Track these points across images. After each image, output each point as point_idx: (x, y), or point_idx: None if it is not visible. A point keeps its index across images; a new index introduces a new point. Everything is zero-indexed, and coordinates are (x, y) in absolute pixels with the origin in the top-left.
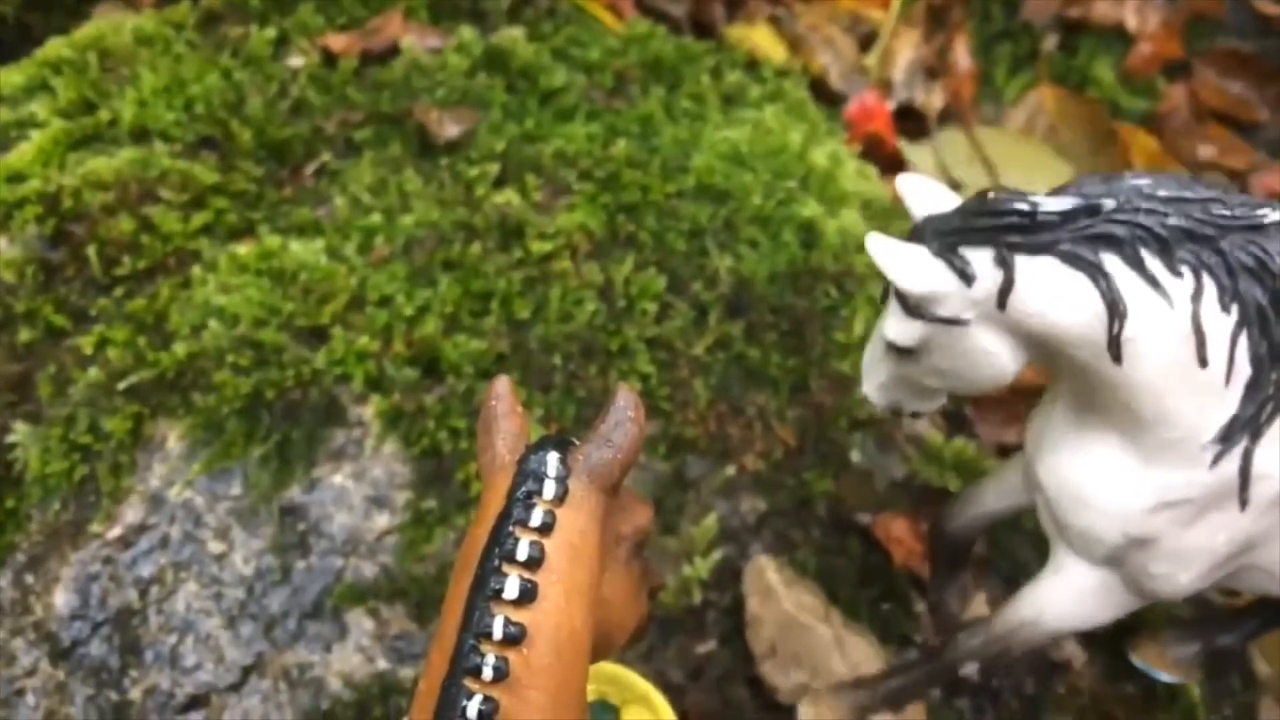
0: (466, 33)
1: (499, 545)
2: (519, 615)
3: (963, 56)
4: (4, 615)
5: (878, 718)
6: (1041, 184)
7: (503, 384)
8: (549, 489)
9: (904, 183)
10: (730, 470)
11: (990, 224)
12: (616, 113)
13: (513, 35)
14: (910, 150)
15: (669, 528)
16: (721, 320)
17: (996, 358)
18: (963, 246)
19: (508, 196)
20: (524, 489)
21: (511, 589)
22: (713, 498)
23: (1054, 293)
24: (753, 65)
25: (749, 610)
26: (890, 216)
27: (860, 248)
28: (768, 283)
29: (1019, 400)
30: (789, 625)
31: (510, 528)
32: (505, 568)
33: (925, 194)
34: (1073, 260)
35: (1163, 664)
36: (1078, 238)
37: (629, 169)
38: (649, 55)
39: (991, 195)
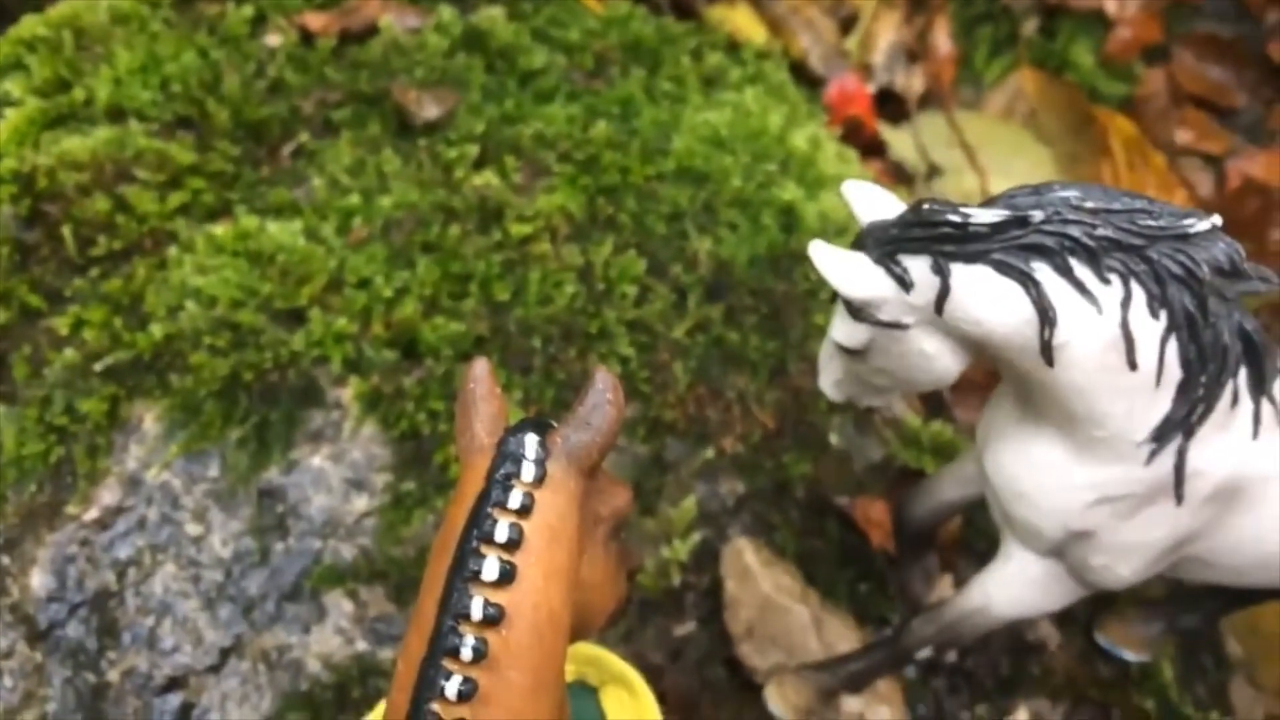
0: (446, 12)
1: (478, 527)
2: (498, 596)
3: (943, 40)
4: None
5: (844, 698)
6: (1021, 166)
7: (481, 366)
8: (527, 471)
9: (850, 189)
10: (709, 453)
11: (925, 234)
12: (596, 94)
13: (492, 15)
14: (890, 133)
15: (648, 510)
16: (701, 303)
17: (937, 360)
18: (901, 254)
19: (487, 178)
20: (503, 471)
21: (490, 570)
22: (692, 480)
23: (988, 299)
24: (733, 47)
25: (727, 592)
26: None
27: (841, 232)
28: (747, 266)
29: (996, 385)
30: (767, 606)
31: (489, 509)
32: (484, 549)
33: (870, 201)
34: (1004, 269)
35: (1127, 643)
36: (1009, 247)
37: (609, 151)
38: (629, 36)
39: (925, 206)
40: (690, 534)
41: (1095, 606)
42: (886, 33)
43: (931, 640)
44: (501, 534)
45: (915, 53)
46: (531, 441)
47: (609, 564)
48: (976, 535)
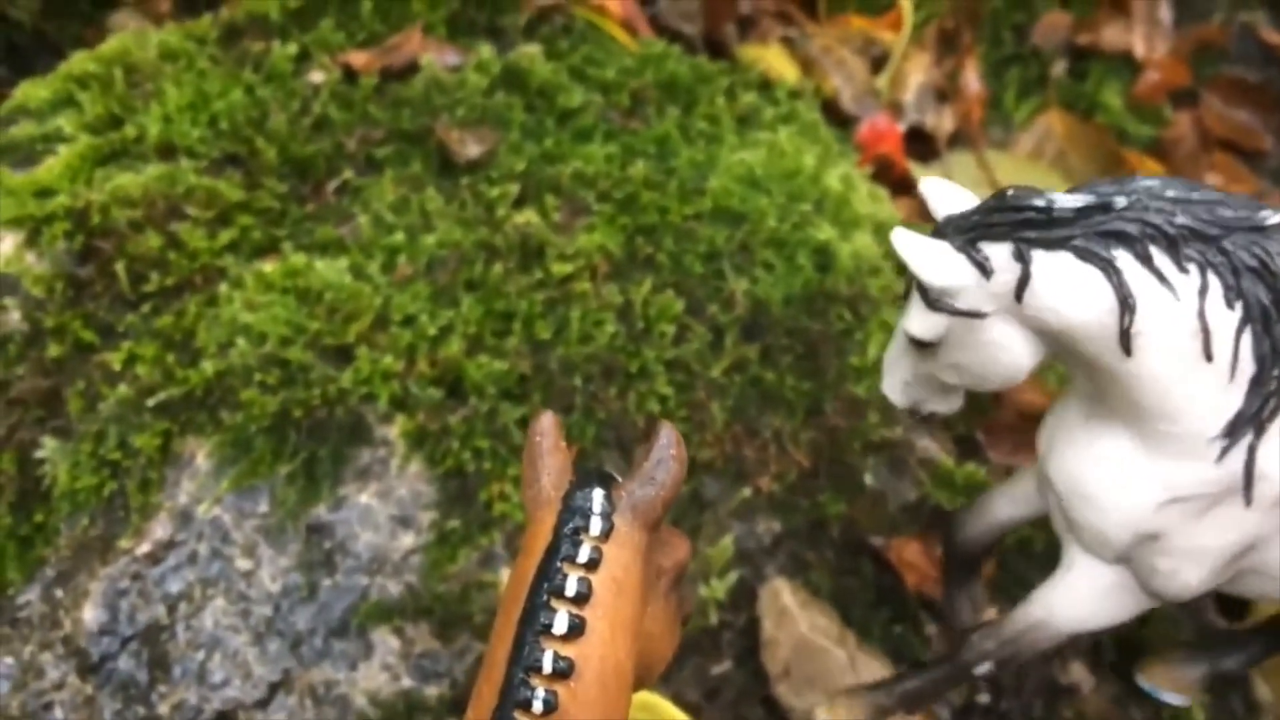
0: (485, 50)
1: (548, 580)
2: (567, 650)
3: (973, 80)
4: (33, 629)
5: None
6: None
7: (547, 420)
8: (595, 525)
9: (927, 185)
10: (746, 492)
11: (1008, 219)
12: (634, 133)
13: (530, 54)
14: (920, 172)
15: None
16: (738, 343)
17: (1012, 351)
18: (982, 241)
19: (528, 217)
20: (571, 525)
21: (560, 624)
22: (729, 519)
23: (1068, 286)
24: (766, 86)
25: (764, 632)
26: None
27: (874, 271)
28: (783, 306)
29: (1029, 426)
30: (804, 647)
31: (558, 563)
32: (554, 603)
33: (947, 195)
34: (1086, 255)
35: (1169, 685)
36: (1090, 234)
37: (647, 190)
38: (664, 75)
39: (1010, 192)
40: (727, 573)
41: (1136, 649)
42: (917, 73)
43: (991, 656)
44: (571, 588)
45: (945, 93)
46: (598, 496)
47: (669, 615)
48: (1011, 581)
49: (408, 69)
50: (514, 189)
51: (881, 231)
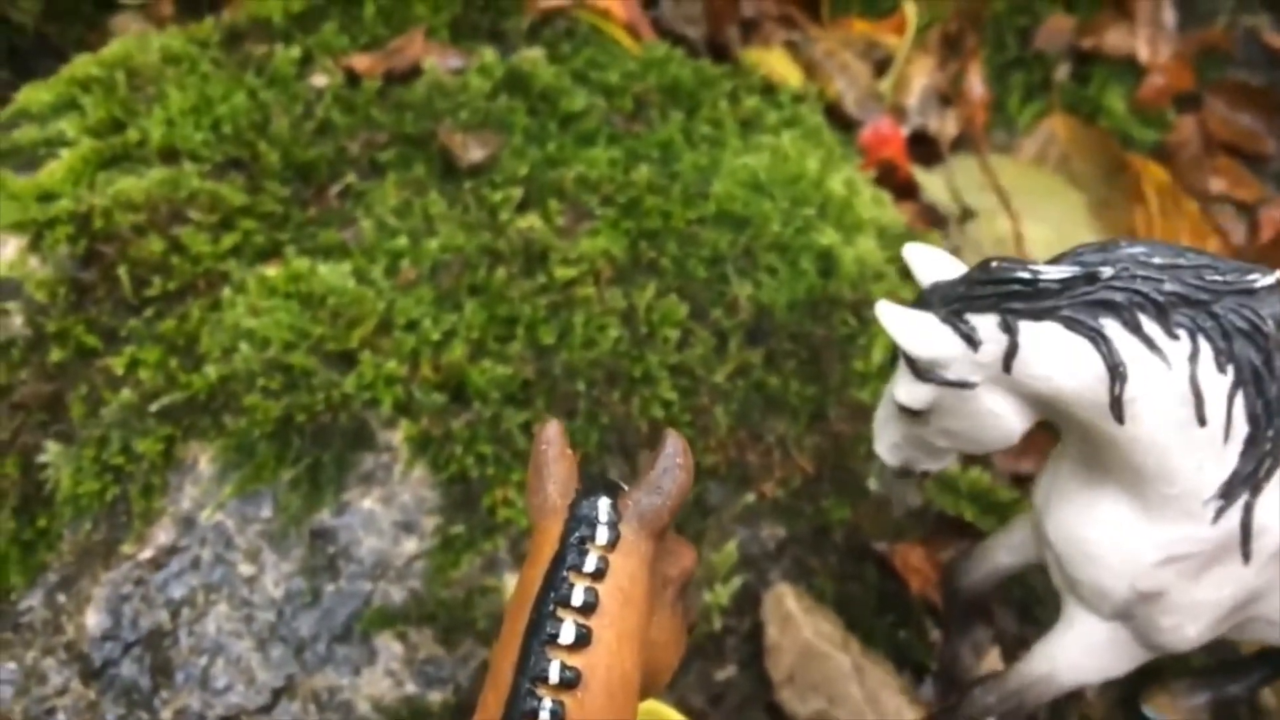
0: (488, 54)
1: (554, 590)
2: (574, 660)
3: (976, 84)
4: (35, 635)
5: None
6: (1054, 211)
7: (553, 429)
8: (602, 535)
9: (911, 252)
10: (750, 497)
11: (994, 291)
12: (637, 137)
13: (533, 57)
14: (923, 176)
15: None
16: (741, 347)
17: (1003, 419)
18: (968, 312)
19: (531, 221)
20: (577, 534)
21: (567, 634)
22: (733, 524)
23: (1057, 356)
24: (769, 90)
25: (768, 638)
26: (905, 243)
27: (877, 276)
28: (787, 310)
29: (1034, 431)
30: (808, 653)
31: (565, 572)
32: (560, 612)
33: (932, 262)
34: (1074, 325)
35: (1174, 713)
36: (1078, 304)
37: (650, 195)
38: (667, 79)
39: (994, 264)
40: (731, 578)
41: (1141, 680)
42: (920, 76)
43: (994, 710)
44: (577, 598)
45: (949, 96)
46: (604, 505)
47: (676, 624)
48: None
49: (410, 73)
50: (517, 193)
51: (885, 236)
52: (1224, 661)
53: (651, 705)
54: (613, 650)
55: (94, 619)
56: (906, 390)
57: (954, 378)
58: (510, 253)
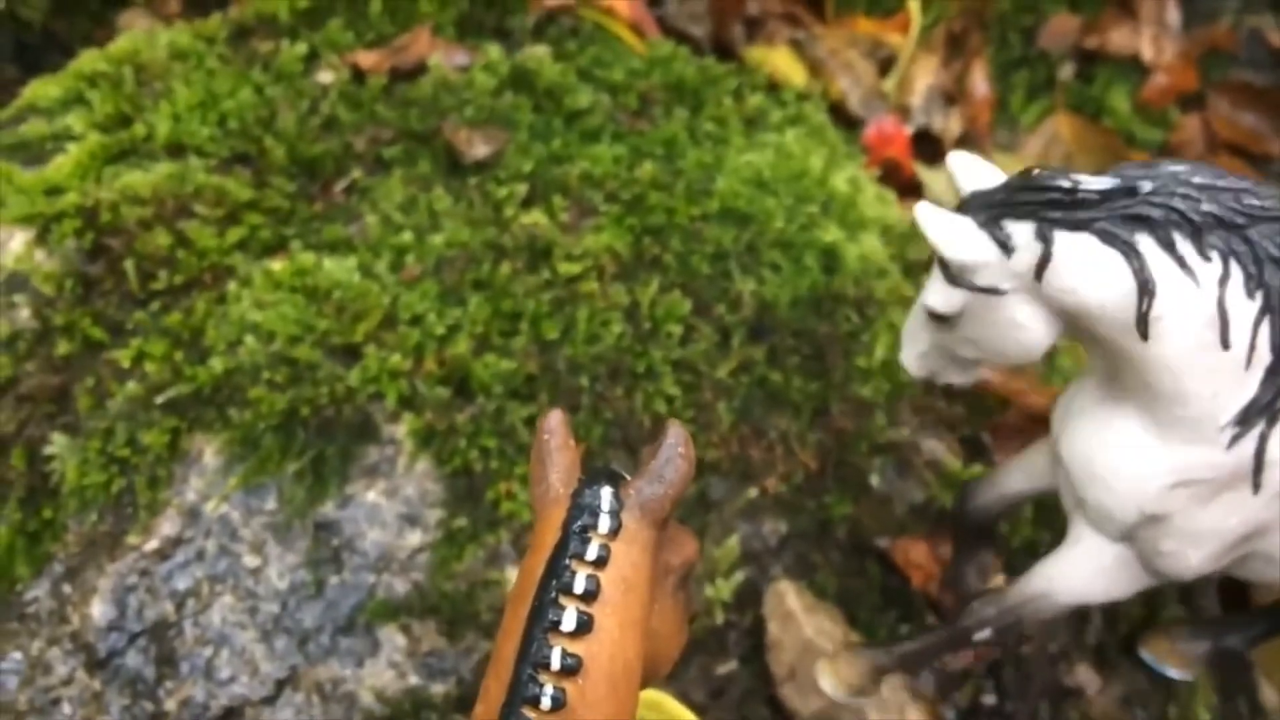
0: (493, 51)
1: (556, 578)
2: (575, 647)
3: (980, 83)
4: (41, 625)
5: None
6: None
7: (556, 418)
8: (604, 523)
9: (955, 160)
10: (752, 492)
11: (1033, 199)
12: (641, 134)
13: (538, 55)
14: (927, 174)
15: None
16: (744, 344)
17: (1030, 329)
18: (1005, 219)
19: (535, 217)
20: (579, 523)
21: (569, 621)
22: (735, 519)
23: (1089, 268)
24: (773, 88)
25: (769, 634)
26: (908, 241)
27: (881, 273)
28: (790, 307)
29: (1035, 428)
30: (809, 650)
31: (567, 560)
32: (562, 600)
33: (974, 170)
34: (1109, 238)
35: (1171, 660)
36: (1114, 217)
37: (654, 191)
38: (672, 77)
39: (1036, 172)
40: (733, 573)
41: (1141, 623)
42: (924, 75)
43: (992, 623)
44: (579, 585)
45: (953, 95)
46: (606, 494)
47: (677, 613)
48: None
49: (416, 69)
50: (522, 189)
51: (889, 234)
52: (1226, 613)
53: (654, 695)
54: (614, 638)
55: (99, 610)
56: (938, 294)
57: (985, 284)
58: (514, 248)
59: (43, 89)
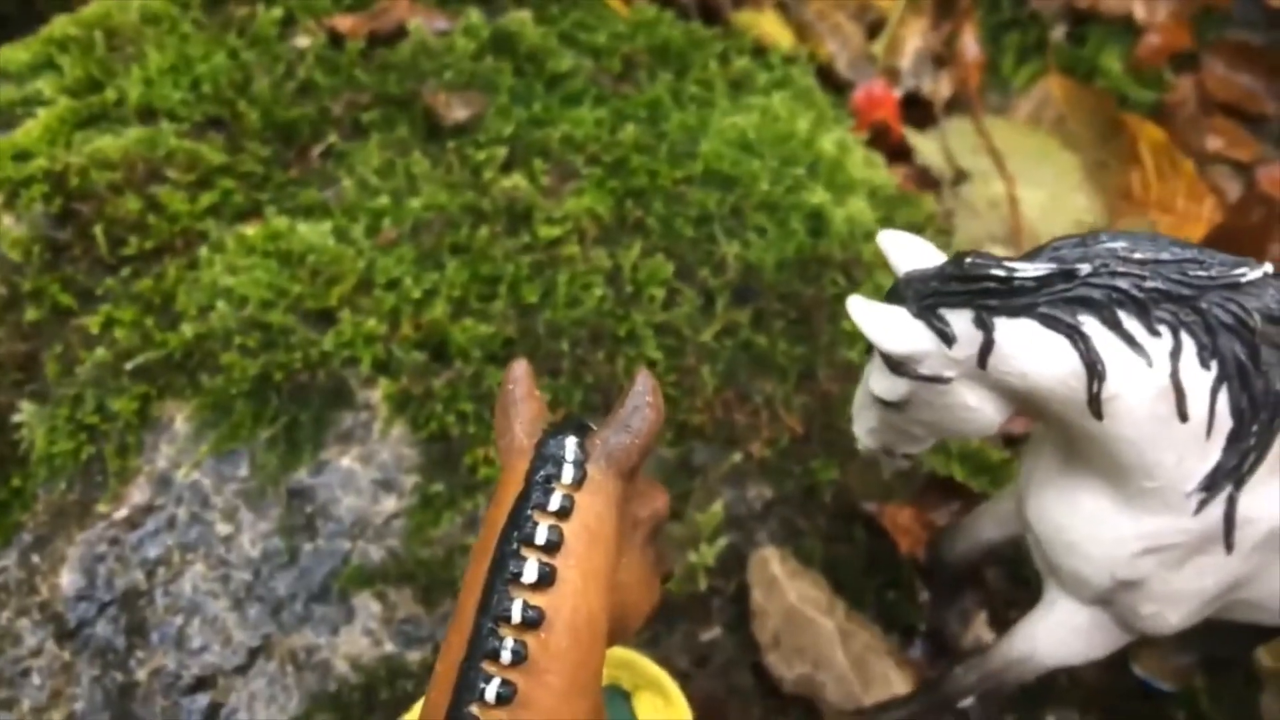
0: (474, 15)
1: (518, 529)
2: (537, 599)
3: (970, 45)
4: (9, 595)
5: None
6: (1049, 173)
7: (520, 367)
8: (567, 473)
9: (886, 239)
10: (737, 457)
11: (968, 288)
12: (624, 98)
13: (520, 18)
14: (916, 138)
15: (675, 514)
16: (729, 307)
17: (980, 412)
18: (942, 308)
19: (515, 180)
20: (542, 473)
21: (530, 573)
22: (719, 485)
23: (1034, 353)
24: (760, 52)
25: (753, 602)
26: (897, 205)
27: (868, 236)
28: (775, 270)
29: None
30: (793, 617)
31: (529, 511)
32: (524, 551)
33: (907, 250)
34: (1051, 322)
35: (1163, 674)
36: (1055, 301)
37: (637, 154)
38: (656, 40)
39: (968, 260)
40: (717, 539)
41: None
42: (913, 38)
43: (975, 689)
44: (541, 536)
45: (942, 58)
46: (571, 443)
47: (646, 567)
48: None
49: (395, 34)
50: (501, 152)
51: (876, 197)
52: (1213, 622)
53: (625, 653)
54: (578, 590)
55: (68, 579)
56: (881, 383)
57: (928, 373)
58: (494, 212)
59: (12, 54)
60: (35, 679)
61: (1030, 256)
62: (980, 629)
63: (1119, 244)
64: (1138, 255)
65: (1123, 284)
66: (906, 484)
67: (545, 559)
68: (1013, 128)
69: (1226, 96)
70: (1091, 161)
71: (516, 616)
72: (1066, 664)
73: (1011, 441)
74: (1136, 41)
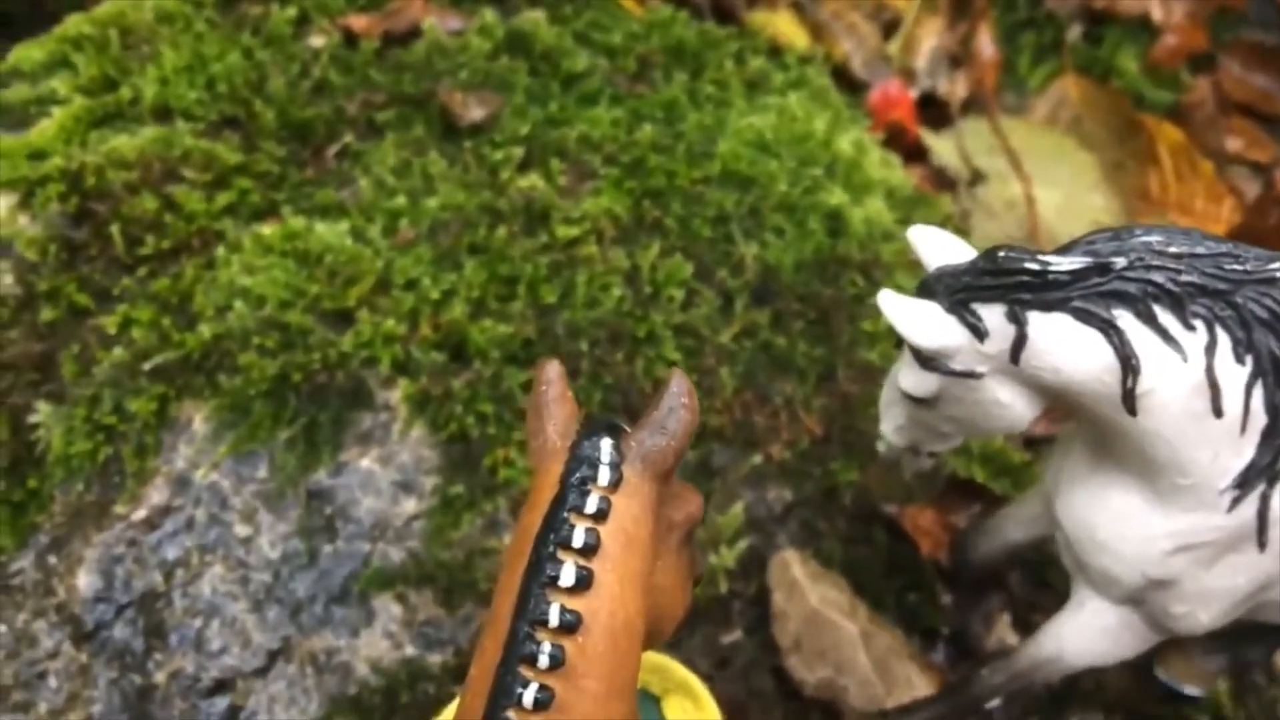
0: (488, 14)
1: (554, 531)
2: (575, 603)
3: (986, 45)
4: (26, 597)
5: None
6: (1065, 174)
7: (554, 369)
8: (604, 475)
9: (916, 234)
10: (757, 459)
11: (1000, 282)
12: (640, 98)
13: (534, 18)
14: (932, 139)
15: None
16: (748, 308)
17: (1011, 408)
18: (974, 303)
19: (532, 180)
20: (578, 475)
21: (567, 576)
22: (739, 487)
23: (1067, 348)
24: (775, 52)
25: (774, 604)
26: (914, 205)
27: (886, 236)
28: (794, 271)
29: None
30: (814, 620)
31: (565, 514)
32: (561, 554)
33: (937, 245)
34: (1085, 317)
35: (1189, 678)
36: (1089, 295)
37: (654, 154)
38: (671, 40)
39: (1002, 254)
40: (737, 541)
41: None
42: (929, 37)
43: (1002, 690)
44: (578, 539)
45: (958, 58)
46: (606, 445)
47: (680, 571)
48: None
49: (410, 33)
50: (518, 152)
51: (894, 197)
52: (1241, 625)
53: (658, 659)
54: (615, 594)
55: (86, 581)
56: (911, 379)
57: (960, 368)
58: (511, 212)
59: (27, 53)
60: (52, 681)
61: (1064, 250)
62: (1004, 631)
63: (1154, 238)
64: (1173, 249)
65: (1158, 278)
66: (926, 486)
67: (582, 562)
68: (1029, 128)
69: (1243, 97)
70: (1108, 162)
71: (554, 620)
72: (1095, 665)
73: (1032, 443)
74: (1153, 42)
